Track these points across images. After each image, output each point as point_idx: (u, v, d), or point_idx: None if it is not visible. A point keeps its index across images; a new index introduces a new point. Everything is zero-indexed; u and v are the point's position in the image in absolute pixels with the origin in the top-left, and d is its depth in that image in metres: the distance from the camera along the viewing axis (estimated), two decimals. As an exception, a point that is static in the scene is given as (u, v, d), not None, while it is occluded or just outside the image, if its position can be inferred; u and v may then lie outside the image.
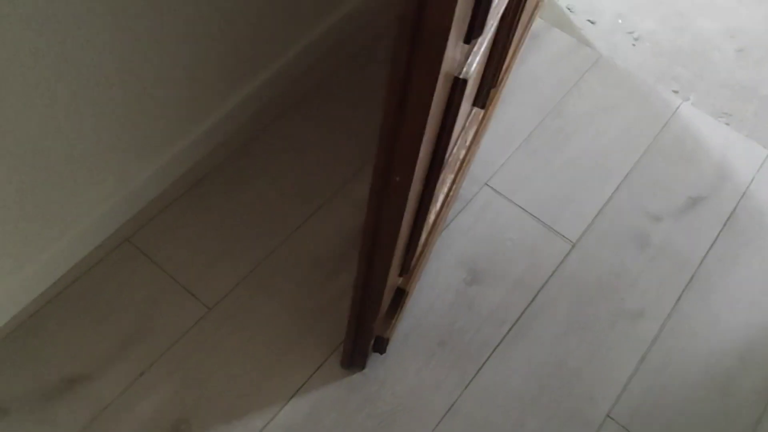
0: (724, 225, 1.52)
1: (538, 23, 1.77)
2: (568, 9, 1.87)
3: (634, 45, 1.83)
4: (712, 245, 1.50)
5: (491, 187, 1.52)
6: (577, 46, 1.76)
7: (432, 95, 0.61)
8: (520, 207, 1.50)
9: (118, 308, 1.28)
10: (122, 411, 1.19)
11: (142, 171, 1.33)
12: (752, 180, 1.59)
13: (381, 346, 1.26)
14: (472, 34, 0.67)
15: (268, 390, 1.24)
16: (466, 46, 0.71)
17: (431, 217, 1.26)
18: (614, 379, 1.33)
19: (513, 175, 1.54)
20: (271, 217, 1.42)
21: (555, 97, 1.67)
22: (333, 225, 1.42)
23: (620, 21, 1.87)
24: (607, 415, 1.29)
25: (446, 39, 0.55)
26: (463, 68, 0.72)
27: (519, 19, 1.23)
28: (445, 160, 0.86)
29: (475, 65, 0.75)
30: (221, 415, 1.21)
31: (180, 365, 1.24)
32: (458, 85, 0.72)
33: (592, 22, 1.85)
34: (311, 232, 1.41)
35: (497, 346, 1.34)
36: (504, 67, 1.43)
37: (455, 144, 1.17)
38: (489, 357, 1.33)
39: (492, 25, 0.73)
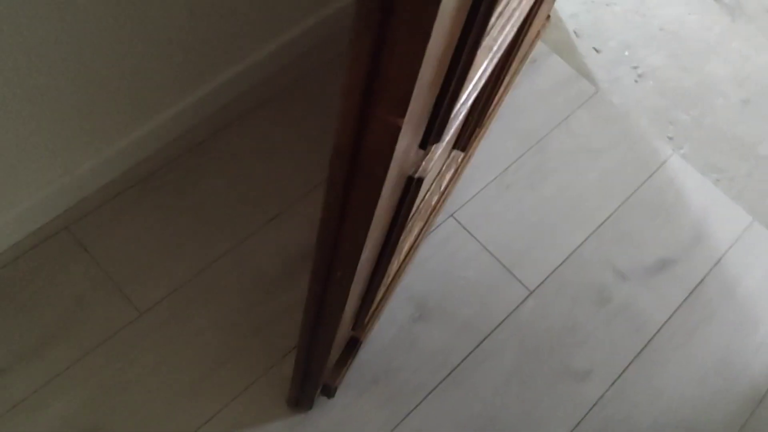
0: (690, 294, 1.46)
1: (539, 47, 1.68)
2: (575, 33, 1.77)
3: (636, 81, 1.74)
4: (673, 313, 1.44)
5: (456, 220, 1.46)
6: (575, 77, 1.67)
7: (371, 216, 0.55)
8: (482, 244, 1.44)
9: (44, 300, 1.24)
10: (33, 411, 1.16)
11: (91, 158, 1.26)
12: (729, 249, 1.53)
13: (329, 391, 1.21)
14: (428, 140, 0.59)
15: (187, 408, 1.20)
16: (422, 151, 0.63)
17: (393, 267, 1.20)
18: (545, 442, 1.29)
19: (481, 209, 1.48)
20: (220, 223, 1.36)
21: (541, 131, 1.59)
22: (285, 238, 1.37)
23: (627, 53, 1.77)
24: (530, 481, 1.25)
25: (384, 176, 0.48)
26: (419, 166, 0.64)
27: (514, 57, 1.15)
28: (398, 244, 0.79)
29: (436, 157, 0.67)
30: (134, 429, 1.17)
31: (100, 370, 1.20)
32: (412, 184, 0.65)
33: (597, 51, 1.76)
34: (260, 243, 1.36)
35: (432, 390, 1.30)
36: (491, 107, 1.35)
37: (422, 201, 1.10)
38: (421, 401, 1.29)
39: (468, 94, 0.65)
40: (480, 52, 0.62)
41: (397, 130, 0.43)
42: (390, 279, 1.20)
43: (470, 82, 0.60)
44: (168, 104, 1.32)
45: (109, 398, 1.19)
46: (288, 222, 1.38)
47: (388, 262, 0.90)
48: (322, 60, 1.55)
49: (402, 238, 0.83)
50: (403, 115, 0.42)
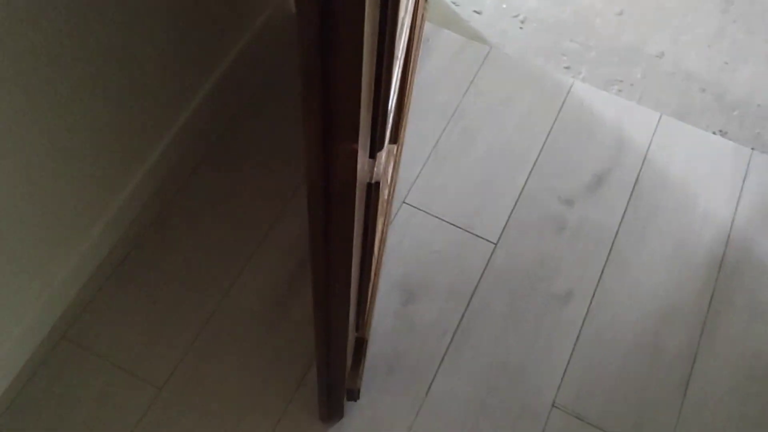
0: (631, 195, 1.61)
1: (427, 27, 1.80)
2: (453, 3, 1.90)
3: (521, 28, 1.88)
4: (623, 217, 1.59)
5: (409, 204, 1.57)
6: (467, 42, 1.80)
7: (352, 232, 0.65)
8: (438, 218, 1.56)
9: (69, 409, 1.30)
10: None
11: (62, 267, 1.32)
12: (649, 145, 1.68)
13: (354, 395, 1.31)
14: (375, 149, 0.70)
15: (234, 454, 1.29)
16: (372, 160, 0.74)
17: (372, 265, 1.31)
18: (554, 367, 1.42)
19: (427, 187, 1.59)
20: (202, 280, 1.44)
21: (455, 100, 1.71)
22: (267, 271, 1.46)
23: (504, 6, 1.91)
24: (553, 405, 1.38)
25: (354, 196, 0.58)
26: (373, 172, 0.75)
27: (412, 48, 1.26)
28: (374, 250, 0.90)
29: (383, 160, 0.78)
30: (194, 490, 1.25)
31: (144, 451, 1.27)
32: (372, 189, 0.75)
33: (478, 13, 1.89)
34: (245, 286, 1.44)
35: (442, 359, 1.41)
36: (406, 96, 1.46)
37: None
38: (437, 372, 1.40)
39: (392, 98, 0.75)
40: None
41: (355, 153, 0.53)
42: (373, 276, 1.30)
43: (391, 91, 0.71)
44: (114, 195, 1.39)
45: (161, 472, 1.26)
46: (264, 255, 1.47)
47: (370, 263, 1.00)
48: (240, 102, 1.64)
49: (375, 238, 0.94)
50: (356, 140, 0.52)
